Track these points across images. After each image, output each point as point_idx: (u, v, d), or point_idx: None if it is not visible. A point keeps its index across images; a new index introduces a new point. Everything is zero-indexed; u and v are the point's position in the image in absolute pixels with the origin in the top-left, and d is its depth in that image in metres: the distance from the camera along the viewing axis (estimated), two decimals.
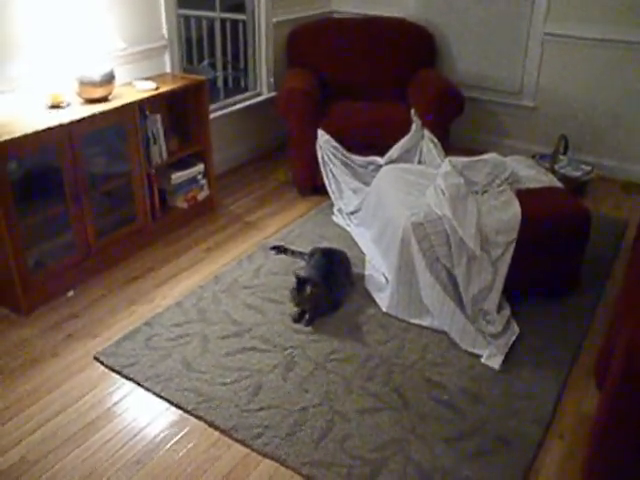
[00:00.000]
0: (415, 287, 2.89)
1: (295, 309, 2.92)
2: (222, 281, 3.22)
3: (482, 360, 2.67)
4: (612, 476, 1.98)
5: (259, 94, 4.80)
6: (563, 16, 4.40)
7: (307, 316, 2.88)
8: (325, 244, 3.45)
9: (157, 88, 3.42)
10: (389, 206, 3.17)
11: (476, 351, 2.72)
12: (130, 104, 3.21)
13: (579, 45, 4.41)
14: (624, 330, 1.85)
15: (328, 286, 2.91)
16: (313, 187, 4.14)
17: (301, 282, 2.84)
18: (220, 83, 5.62)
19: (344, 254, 3.21)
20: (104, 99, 3.17)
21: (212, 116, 4.08)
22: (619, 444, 1.90)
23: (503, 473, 2.15)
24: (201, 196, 3.88)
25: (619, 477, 1.97)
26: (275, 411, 2.39)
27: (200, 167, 3.82)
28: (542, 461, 2.22)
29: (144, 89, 3.38)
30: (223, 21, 5.54)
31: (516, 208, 2.90)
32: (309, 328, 2.86)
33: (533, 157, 4.39)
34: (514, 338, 2.80)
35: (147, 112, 3.39)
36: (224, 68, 5.82)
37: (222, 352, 2.71)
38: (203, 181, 3.86)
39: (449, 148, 4.13)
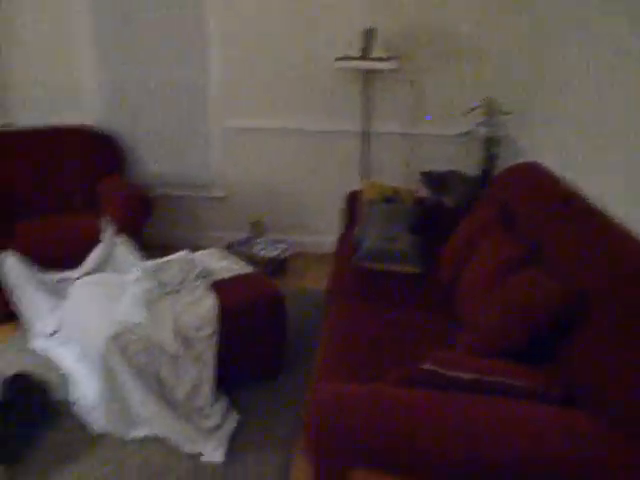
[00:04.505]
0: (125, 399, 2.79)
1: None
2: None
3: (202, 458, 2.65)
4: None
5: None
6: (238, 113, 4.76)
7: None
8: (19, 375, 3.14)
9: None
10: (86, 321, 3.05)
11: (197, 449, 2.70)
12: None
13: (258, 135, 4.80)
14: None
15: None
16: (7, 313, 3.81)
17: None
18: None
19: (31, 385, 2.96)
20: None
21: None
22: None
23: None
24: None
25: None
26: None
27: None
28: None
29: None
30: None
31: (211, 301, 2.98)
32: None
33: (230, 245, 4.59)
34: (234, 427, 2.84)
35: None
36: None
37: None
38: None
39: (146, 248, 4.13)
